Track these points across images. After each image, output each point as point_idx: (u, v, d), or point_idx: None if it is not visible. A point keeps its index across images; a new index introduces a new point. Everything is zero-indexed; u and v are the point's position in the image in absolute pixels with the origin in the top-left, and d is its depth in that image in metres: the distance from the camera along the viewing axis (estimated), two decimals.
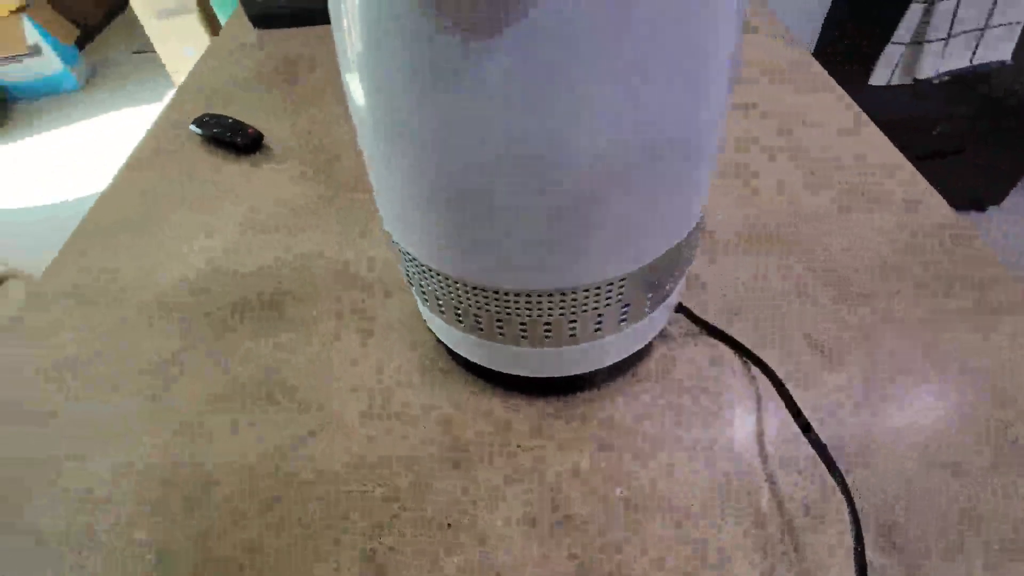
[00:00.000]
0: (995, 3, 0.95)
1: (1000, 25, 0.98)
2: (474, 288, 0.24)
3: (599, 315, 0.25)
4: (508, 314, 0.25)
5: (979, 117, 1.19)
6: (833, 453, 0.28)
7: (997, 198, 1.46)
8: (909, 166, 0.44)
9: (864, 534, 0.26)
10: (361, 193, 0.47)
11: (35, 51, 2.19)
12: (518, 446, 0.31)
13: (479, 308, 0.25)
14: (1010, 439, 0.29)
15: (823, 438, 0.28)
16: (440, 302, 0.27)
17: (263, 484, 0.30)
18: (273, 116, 0.57)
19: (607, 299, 0.24)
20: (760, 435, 0.30)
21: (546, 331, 0.26)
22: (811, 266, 0.38)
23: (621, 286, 0.24)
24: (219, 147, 0.54)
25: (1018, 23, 0.98)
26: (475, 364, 0.31)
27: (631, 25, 0.16)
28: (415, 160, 0.20)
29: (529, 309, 0.24)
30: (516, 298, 0.24)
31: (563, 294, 0.23)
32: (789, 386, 0.32)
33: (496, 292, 0.24)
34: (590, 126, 0.18)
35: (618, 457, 0.30)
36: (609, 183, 0.20)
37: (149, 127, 0.57)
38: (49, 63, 2.24)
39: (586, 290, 0.23)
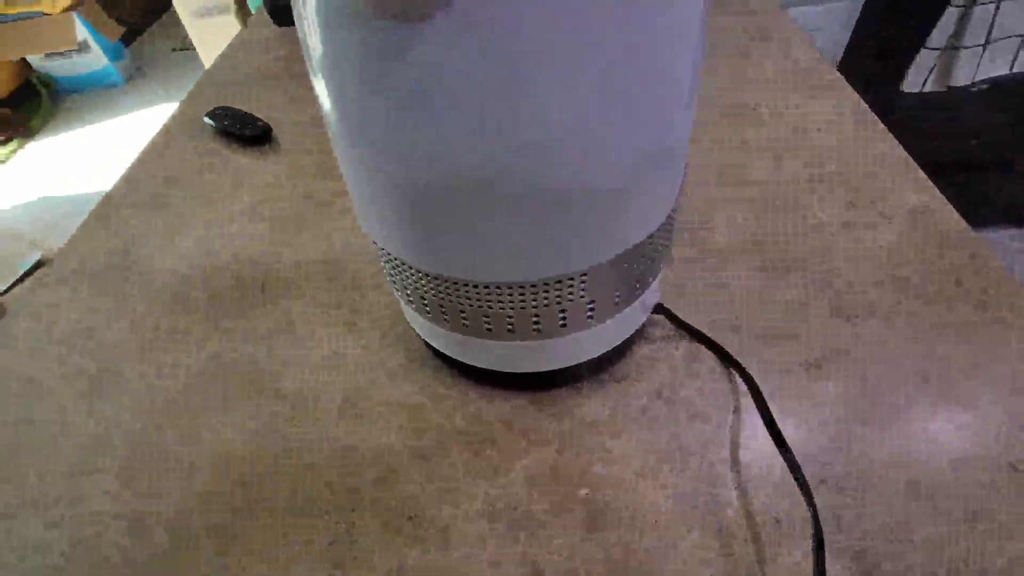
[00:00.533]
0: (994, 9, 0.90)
1: (998, 37, 0.93)
2: (436, 278, 0.24)
3: (562, 310, 0.25)
4: (471, 306, 0.25)
5: (1022, 126, 1.13)
6: (811, 470, 0.27)
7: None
8: (922, 175, 0.42)
9: (833, 559, 0.25)
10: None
11: (83, 47, 2.29)
12: (487, 440, 0.30)
13: (445, 299, 0.25)
14: (1011, 472, 0.27)
15: (804, 454, 0.27)
16: (408, 292, 0.27)
17: (236, 468, 0.31)
18: (284, 110, 0.59)
19: (569, 294, 0.24)
20: (735, 445, 0.29)
21: (508, 325, 0.25)
22: (810, 276, 0.37)
23: (583, 281, 0.24)
24: (230, 139, 0.55)
25: (1022, 37, 0.93)
26: (452, 359, 0.31)
27: (580, 23, 0.15)
28: (369, 160, 0.20)
29: (491, 302, 0.24)
30: (476, 290, 0.24)
31: (522, 287, 0.23)
32: (774, 397, 0.30)
33: (457, 283, 0.24)
34: (541, 127, 0.17)
35: (586, 458, 0.29)
36: (563, 182, 0.19)
37: (162, 126, 0.59)
38: (96, 59, 2.35)
39: (546, 284, 0.23)
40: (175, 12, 2.27)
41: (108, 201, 0.50)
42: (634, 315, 0.28)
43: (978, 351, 0.31)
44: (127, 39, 2.68)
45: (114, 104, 2.38)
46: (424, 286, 0.25)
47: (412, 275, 0.25)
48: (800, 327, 0.34)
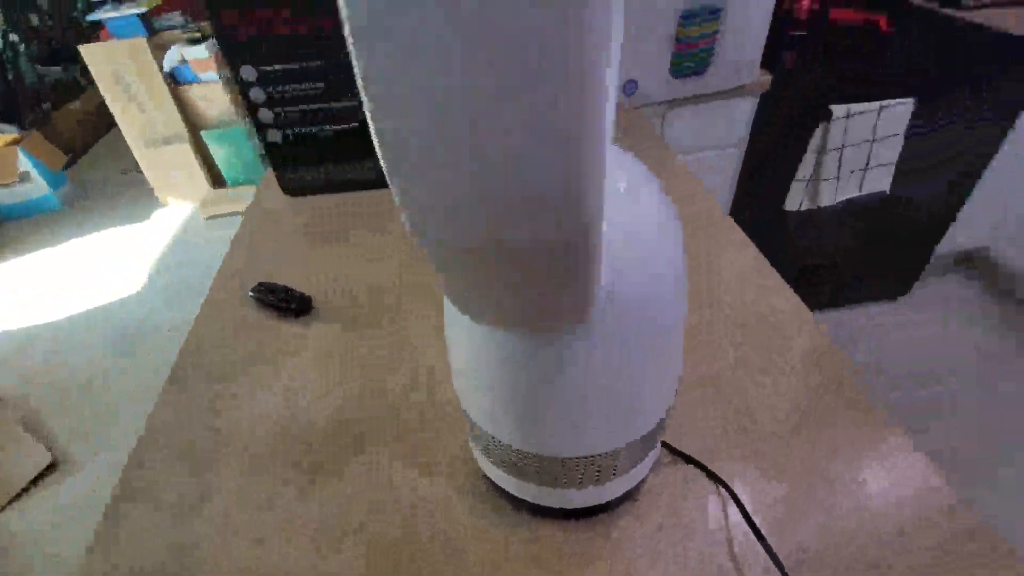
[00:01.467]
0: (871, 150, 1.22)
1: (878, 165, 1.24)
2: (532, 455, 0.36)
3: (597, 471, 0.37)
4: (547, 469, 0.37)
5: (872, 231, 1.46)
6: (785, 555, 0.40)
7: (904, 290, 1.73)
8: (807, 313, 0.60)
9: None
10: (392, 334, 0.60)
11: (24, 177, 2.29)
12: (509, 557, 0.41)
13: (528, 464, 0.37)
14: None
15: (774, 543, 0.40)
16: (493, 456, 0.39)
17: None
18: (319, 278, 0.70)
19: (598, 463, 0.37)
20: (718, 542, 0.42)
21: (578, 478, 0.38)
22: (736, 407, 0.52)
23: (616, 452, 0.37)
24: (275, 311, 0.66)
25: (892, 163, 1.25)
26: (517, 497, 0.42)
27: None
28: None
29: (564, 468, 0.36)
30: (553, 461, 0.36)
31: (589, 457, 0.36)
32: (745, 499, 0.44)
33: (541, 457, 0.36)
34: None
35: (607, 567, 0.41)
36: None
37: (205, 299, 0.69)
38: (37, 187, 2.34)
39: (604, 454, 0.36)
40: (119, 132, 2.33)
41: (175, 375, 0.58)
42: (653, 455, 0.42)
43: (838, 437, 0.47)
44: (69, 161, 2.69)
45: (58, 230, 2.35)
46: (514, 456, 0.37)
47: (509, 450, 0.37)
48: (746, 447, 0.48)
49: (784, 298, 0.63)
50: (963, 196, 1.49)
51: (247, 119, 0.86)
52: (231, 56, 0.72)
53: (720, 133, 1.29)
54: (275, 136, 0.80)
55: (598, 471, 0.37)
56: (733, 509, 0.43)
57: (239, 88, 0.75)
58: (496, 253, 0.20)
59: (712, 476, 0.45)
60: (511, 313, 0.25)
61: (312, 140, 0.81)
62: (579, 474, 0.37)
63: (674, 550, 0.41)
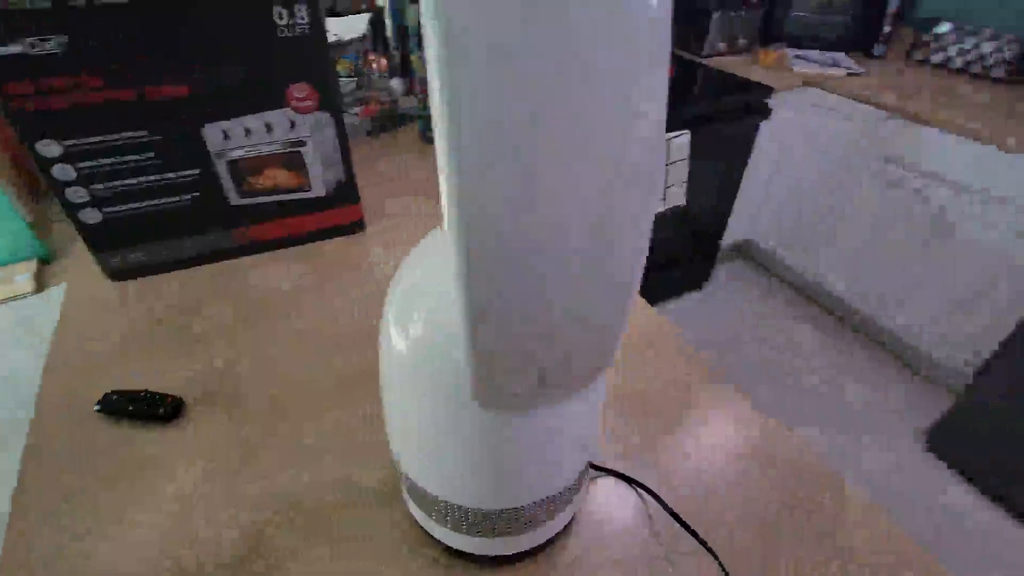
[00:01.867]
0: (668, 172, 1.47)
1: (675, 184, 1.51)
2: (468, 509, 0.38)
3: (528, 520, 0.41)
4: (482, 522, 0.39)
5: (675, 236, 1.76)
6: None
7: (706, 278, 2.10)
8: (650, 308, 0.72)
9: None
10: (283, 424, 0.56)
11: None
12: None
13: (463, 518, 0.39)
14: None
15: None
16: (431, 511, 0.40)
17: None
18: (179, 371, 0.61)
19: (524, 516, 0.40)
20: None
21: (505, 528, 0.40)
22: (620, 408, 0.60)
23: (538, 504, 0.40)
24: (137, 422, 0.56)
25: (684, 182, 1.53)
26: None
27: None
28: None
29: (496, 519, 0.39)
30: (488, 513, 0.38)
31: (515, 509, 0.39)
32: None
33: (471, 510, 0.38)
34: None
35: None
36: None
37: (28, 432, 0.55)
38: None
39: (536, 503, 0.39)
40: None
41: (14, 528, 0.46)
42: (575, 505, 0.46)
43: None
44: None
45: None
46: (453, 511, 0.39)
47: (448, 507, 0.38)
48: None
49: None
50: (732, 200, 1.88)
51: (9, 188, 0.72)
52: (23, 131, 0.60)
53: None
54: (92, 216, 0.69)
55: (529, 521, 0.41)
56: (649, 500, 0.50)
57: (37, 165, 0.63)
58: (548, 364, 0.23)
59: (631, 480, 0.52)
60: (533, 400, 0.27)
61: (142, 217, 0.71)
62: (526, 519, 0.40)
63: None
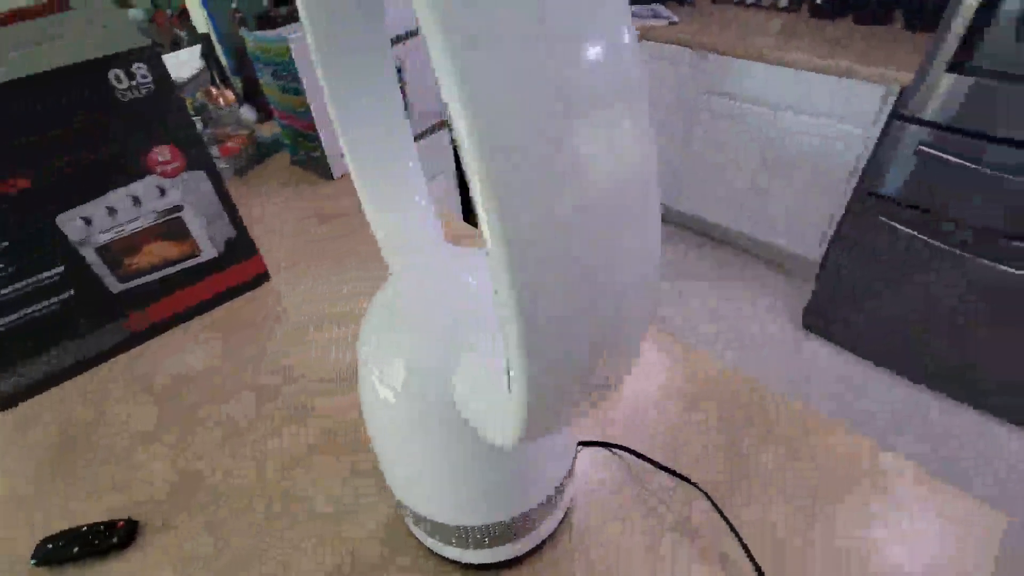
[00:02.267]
0: None
1: None
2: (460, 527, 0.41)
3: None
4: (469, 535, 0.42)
5: None
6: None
7: None
8: None
9: None
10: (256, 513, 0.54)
11: None
12: None
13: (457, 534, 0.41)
14: None
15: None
16: (432, 532, 0.42)
17: None
18: (117, 490, 0.55)
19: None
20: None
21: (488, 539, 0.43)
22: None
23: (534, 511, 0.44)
24: (90, 560, 0.50)
25: None
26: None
27: None
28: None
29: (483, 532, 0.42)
30: (474, 528, 0.41)
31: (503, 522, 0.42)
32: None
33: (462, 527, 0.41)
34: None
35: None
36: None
37: None
38: None
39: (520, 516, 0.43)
40: None
41: None
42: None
43: None
44: None
45: None
46: (473, 533, 0.41)
47: (466, 530, 0.41)
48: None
49: None
50: None
51: None
52: None
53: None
54: None
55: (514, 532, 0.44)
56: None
57: None
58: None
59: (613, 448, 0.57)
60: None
61: (8, 336, 0.61)
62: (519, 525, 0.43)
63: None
